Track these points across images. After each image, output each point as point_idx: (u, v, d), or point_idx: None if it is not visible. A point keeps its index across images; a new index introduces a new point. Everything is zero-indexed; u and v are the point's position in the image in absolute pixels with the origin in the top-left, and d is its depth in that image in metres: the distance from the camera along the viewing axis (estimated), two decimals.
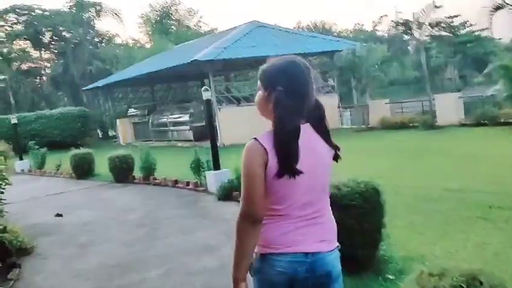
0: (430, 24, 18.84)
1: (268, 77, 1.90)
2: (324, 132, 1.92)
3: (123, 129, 24.86)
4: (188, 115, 20.18)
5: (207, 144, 19.21)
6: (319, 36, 20.35)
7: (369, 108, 17.45)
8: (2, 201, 5.78)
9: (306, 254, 1.84)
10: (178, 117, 20.74)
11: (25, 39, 32.37)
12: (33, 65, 32.96)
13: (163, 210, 7.73)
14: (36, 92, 31.28)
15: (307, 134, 1.85)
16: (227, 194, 7.97)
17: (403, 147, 12.49)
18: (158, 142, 21.60)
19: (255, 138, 1.82)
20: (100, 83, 25.16)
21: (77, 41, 31.17)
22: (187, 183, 9.52)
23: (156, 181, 10.43)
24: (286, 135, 1.78)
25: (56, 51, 33.30)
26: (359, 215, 4.04)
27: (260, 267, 1.87)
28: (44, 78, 33.91)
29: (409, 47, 42.87)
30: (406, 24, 18.58)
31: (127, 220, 7.34)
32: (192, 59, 16.31)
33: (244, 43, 17.80)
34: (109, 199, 9.35)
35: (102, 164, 12.28)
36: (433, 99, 16.84)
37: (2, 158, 5.68)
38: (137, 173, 11.14)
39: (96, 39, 34.42)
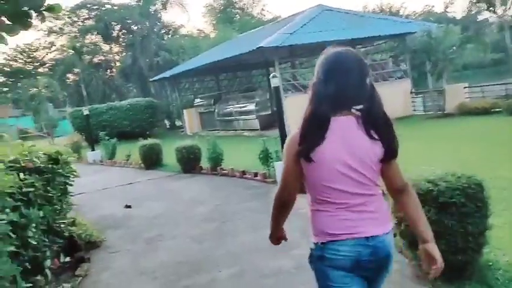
0: None
1: (317, 65, 1.98)
2: (372, 124, 1.91)
3: (190, 119, 25.03)
4: (254, 104, 19.89)
5: (274, 133, 18.64)
6: (389, 18, 19.28)
7: (446, 93, 16.28)
8: (70, 194, 5.66)
9: (367, 238, 1.91)
10: (244, 106, 20.51)
11: (96, 33, 33.49)
12: (103, 58, 34.06)
13: (232, 204, 7.42)
14: (107, 84, 32.31)
15: (345, 126, 1.90)
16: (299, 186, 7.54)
17: (489, 134, 11.44)
18: (224, 131, 21.54)
19: (298, 129, 1.94)
20: (167, 73, 25.43)
21: (144, 33, 31.79)
22: (255, 174, 9.17)
23: (224, 171, 10.17)
24: (309, 118, 1.89)
25: (124, 44, 34.20)
26: (460, 214, 3.47)
27: (321, 255, 1.95)
28: (114, 70, 34.94)
29: (486, 29, 40.15)
30: (488, 1, 17.10)
31: (195, 214, 7.09)
32: (257, 46, 15.91)
33: (311, 28, 17.15)
34: (177, 190, 9.19)
35: (169, 154, 12.22)
36: None
37: (70, 150, 5.52)
38: (204, 164, 10.96)
39: (163, 31, 34.97)
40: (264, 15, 43.60)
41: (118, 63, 35.09)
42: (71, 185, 5.64)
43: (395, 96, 17.94)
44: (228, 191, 8.38)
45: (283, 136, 8.18)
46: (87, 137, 18.38)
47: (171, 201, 8.19)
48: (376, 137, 1.90)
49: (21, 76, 45.59)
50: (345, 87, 1.89)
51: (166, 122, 30.39)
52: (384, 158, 1.93)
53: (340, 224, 1.92)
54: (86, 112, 16.92)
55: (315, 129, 1.88)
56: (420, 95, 18.58)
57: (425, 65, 17.70)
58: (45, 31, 42.49)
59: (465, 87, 17.07)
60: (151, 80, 27.90)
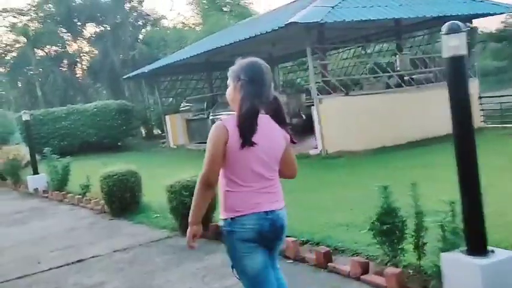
0: None
1: (235, 72, 2.43)
2: (280, 120, 2.44)
3: (174, 128, 19.62)
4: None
5: (295, 150, 12.47)
6: None
7: None
8: None
9: (266, 212, 2.38)
10: None
11: (56, 20, 27.43)
12: (64, 50, 27.99)
13: None
14: (69, 82, 26.33)
15: (264, 121, 2.36)
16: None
17: None
18: None
19: (221, 120, 2.36)
20: (145, 69, 19.95)
21: (116, 22, 26.03)
22: (380, 273, 3.83)
23: None
24: (247, 112, 2.29)
25: (93, 36, 28.32)
26: None
27: (232, 229, 2.37)
28: (79, 66, 28.99)
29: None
30: None
31: None
32: (286, 23, 10.66)
33: (357, 1, 12.06)
34: None
35: (150, 183, 7.44)
36: None
37: None
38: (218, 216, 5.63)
39: (140, 22, 29.22)
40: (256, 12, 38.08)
41: (84, 58, 29.14)
42: None
43: None
44: None
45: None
46: (32, 152, 12.73)
47: None
48: (283, 128, 2.44)
49: None
50: (263, 86, 2.38)
51: (143, 131, 24.84)
52: (289, 143, 2.47)
53: (248, 203, 2.35)
54: (25, 117, 11.43)
55: (251, 120, 2.29)
56: (494, 100, 13.69)
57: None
58: (7, 27, 36.37)
59: None
60: (125, 77, 22.13)
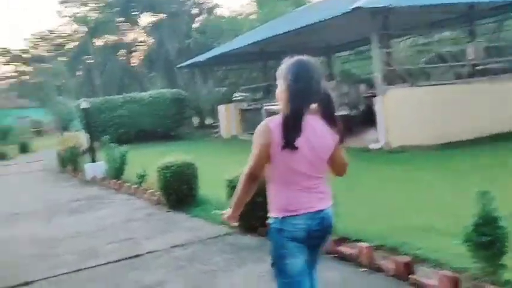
0: None
1: (282, 72, 2.42)
2: (329, 116, 2.39)
3: (227, 118, 19.40)
4: None
5: (354, 143, 12.12)
6: None
7: None
8: None
9: (316, 211, 2.38)
10: None
11: (115, 9, 27.88)
12: (122, 39, 28.44)
13: None
14: (126, 71, 26.71)
15: (311, 123, 2.34)
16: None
17: None
18: None
19: (266, 120, 2.35)
20: (199, 58, 19.83)
21: (173, 11, 26.09)
22: None
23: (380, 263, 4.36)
24: (291, 114, 2.29)
25: (149, 24, 28.57)
26: None
27: (281, 227, 2.37)
28: (135, 55, 29.37)
29: None
30: None
31: None
32: (352, 8, 10.10)
33: None
34: None
35: (206, 176, 7.34)
36: None
37: None
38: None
39: (195, 10, 29.18)
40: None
41: (141, 47, 29.48)
42: None
43: None
44: None
45: None
46: (92, 139, 12.82)
47: None
48: (334, 127, 2.38)
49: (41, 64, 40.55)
50: (310, 83, 2.33)
51: (195, 120, 24.84)
52: (338, 144, 2.43)
53: (299, 202, 2.36)
54: (84, 105, 11.53)
55: (294, 122, 2.28)
56: None
57: None
58: (70, 17, 37.36)
59: None
60: (179, 66, 22.14)
